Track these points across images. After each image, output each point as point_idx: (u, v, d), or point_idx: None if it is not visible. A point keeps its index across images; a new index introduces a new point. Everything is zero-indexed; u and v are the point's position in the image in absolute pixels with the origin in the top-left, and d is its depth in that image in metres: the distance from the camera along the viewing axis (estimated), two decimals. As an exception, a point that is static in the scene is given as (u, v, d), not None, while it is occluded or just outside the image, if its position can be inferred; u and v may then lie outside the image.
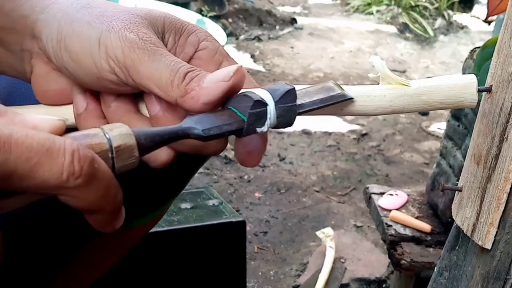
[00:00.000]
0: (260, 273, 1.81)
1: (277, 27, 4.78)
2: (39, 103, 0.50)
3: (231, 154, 2.55)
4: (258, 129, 0.42)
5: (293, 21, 4.93)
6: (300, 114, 0.44)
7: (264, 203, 2.22)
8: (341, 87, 0.46)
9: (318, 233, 1.89)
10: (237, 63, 0.49)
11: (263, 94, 0.43)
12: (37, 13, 0.46)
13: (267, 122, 0.43)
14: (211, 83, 0.42)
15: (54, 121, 0.34)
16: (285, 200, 2.26)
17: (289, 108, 0.43)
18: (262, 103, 0.42)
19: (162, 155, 0.45)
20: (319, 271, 1.72)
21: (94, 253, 0.71)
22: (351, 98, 0.46)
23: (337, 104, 0.46)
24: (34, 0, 0.47)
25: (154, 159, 0.45)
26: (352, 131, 2.96)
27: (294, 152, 2.66)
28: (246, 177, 2.41)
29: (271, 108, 0.42)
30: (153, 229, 0.89)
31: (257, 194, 2.29)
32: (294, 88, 0.43)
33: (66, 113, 0.48)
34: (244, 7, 4.77)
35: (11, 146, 0.30)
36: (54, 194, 0.33)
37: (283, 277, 1.80)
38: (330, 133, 2.89)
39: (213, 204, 1.31)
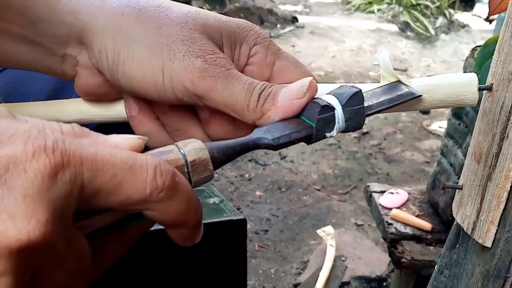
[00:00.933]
0: (260, 271, 1.81)
1: (278, 25, 4.78)
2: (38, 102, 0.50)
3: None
4: (327, 134, 0.42)
5: (294, 19, 4.93)
6: (368, 115, 0.44)
7: (265, 202, 2.22)
8: (407, 85, 0.46)
9: (318, 231, 1.89)
10: (289, 59, 0.48)
11: (329, 99, 0.43)
12: (82, 22, 0.44)
13: (336, 126, 0.42)
14: (286, 100, 0.42)
15: (134, 140, 0.35)
16: (286, 199, 2.26)
17: (357, 110, 0.43)
18: (329, 108, 0.42)
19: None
20: (319, 269, 1.73)
21: (93, 252, 0.71)
22: (420, 96, 0.46)
23: (405, 103, 0.46)
24: (75, 3, 0.45)
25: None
26: (353, 130, 2.96)
27: (295, 151, 2.67)
28: (247, 175, 2.41)
29: (338, 112, 0.42)
30: (154, 227, 0.89)
31: (258, 193, 2.29)
32: (360, 90, 0.43)
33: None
34: (245, 6, 4.77)
35: (98, 164, 0.30)
36: (139, 209, 0.33)
37: (283, 275, 1.80)
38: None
39: (214, 202, 1.31)
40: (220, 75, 0.43)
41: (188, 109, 0.47)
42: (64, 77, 0.48)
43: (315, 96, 0.43)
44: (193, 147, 0.36)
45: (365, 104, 0.44)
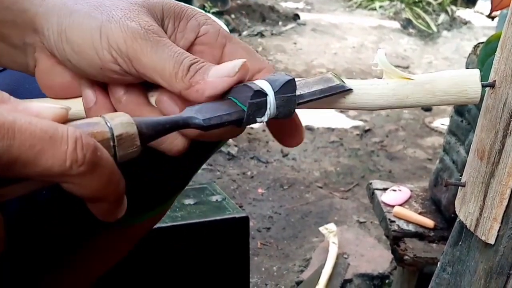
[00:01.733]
0: (263, 269, 1.81)
1: (280, 23, 4.77)
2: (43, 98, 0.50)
3: (234, 150, 2.55)
4: (258, 119, 0.43)
5: (296, 17, 4.92)
6: (299, 104, 0.44)
7: (267, 199, 2.22)
8: (340, 79, 0.46)
9: (321, 229, 1.89)
10: (241, 44, 0.48)
11: (263, 84, 0.43)
12: (36, 6, 0.45)
13: (267, 112, 0.43)
14: (216, 77, 0.42)
15: (57, 109, 0.35)
16: (288, 196, 2.26)
17: (288, 98, 0.43)
18: (262, 93, 0.42)
19: (177, 143, 0.45)
20: (322, 266, 1.73)
21: (98, 249, 0.71)
22: (350, 89, 0.46)
23: (336, 95, 0.46)
24: None
25: (169, 148, 0.45)
26: (355, 127, 2.96)
27: (297, 148, 2.66)
28: (249, 173, 2.41)
29: (270, 98, 0.43)
30: (157, 225, 0.89)
31: (260, 190, 2.29)
32: (293, 79, 0.44)
33: (75, 106, 0.48)
34: (247, 3, 4.77)
35: (15, 132, 0.30)
36: (57, 181, 0.33)
37: (286, 273, 1.80)
38: (333, 129, 2.89)
39: (216, 200, 1.32)
40: (151, 39, 0.43)
41: (143, 97, 0.47)
42: (30, 71, 0.49)
43: (249, 81, 0.44)
44: (120, 121, 0.36)
45: (297, 92, 0.44)
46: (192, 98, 0.43)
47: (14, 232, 0.60)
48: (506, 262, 0.50)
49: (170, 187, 0.71)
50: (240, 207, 2.07)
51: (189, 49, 0.48)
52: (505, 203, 0.48)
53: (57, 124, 0.32)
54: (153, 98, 0.47)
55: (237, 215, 1.26)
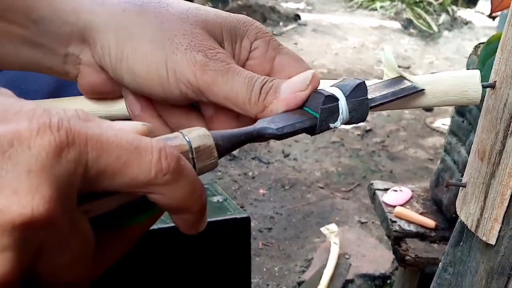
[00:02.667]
0: (264, 269, 1.82)
1: (281, 23, 4.78)
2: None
3: (235, 151, 2.55)
4: (331, 125, 0.43)
5: (297, 17, 4.93)
6: (372, 108, 0.44)
7: (269, 200, 2.23)
8: (409, 79, 0.47)
9: (322, 229, 1.89)
10: (290, 54, 0.48)
11: (333, 90, 0.43)
12: (84, 20, 0.44)
13: (340, 117, 0.43)
14: (289, 93, 0.43)
15: (138, 125, 0.35)
16: (289, 197, 2.26)
17: (360, 102, 0.43)
18: (333, 98, 0.42)
19: None
20: (323, 267, 1.73)
21: (95, 250, 0.71)
22: (423, 90, 0.46)
23: (408, 97, 0.46)
24: (76, 2, 0.45)
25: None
26: (356, 127, 2.96)
27: (298, 149, 2.67)
28: (250, 173, 2.41)
29: (342, 103, 0.43)
30: (158, 225, 0.89)
31: (261, 191, 2.29)
32: (364, 82, 0.43)
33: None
34: (248, 4, 4.77)
35: (103, 144, 0.30)
36: (143, 192, 0.33)
37: (287, 273, 1.80)
38: (334, 130, 2.89)
39: (218, 201, 1.32)
40: (221, 69, 0.43)
41: (191, 106, 0.47)
42: (66, 77, 0.48)
43: (318, 88, 0.44)
44: (198, 134, 0.36)
45: (369, 96, 0.44)
46: (267, 117, 0.43)
47: None
48: (507, 262, 0.50)
49: None
50: (242, 207, 2.07)
51: (243, 66, 0.47)
52: (505, 203, 0.48)
53: (141, 136, 0.33)
54: (203, 108, 0.47)
55: (238, 216, 1.26)
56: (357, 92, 0.43)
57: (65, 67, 0.47)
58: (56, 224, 0.28)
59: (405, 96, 0.46)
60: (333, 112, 0.42)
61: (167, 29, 0.44)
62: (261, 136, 0.41)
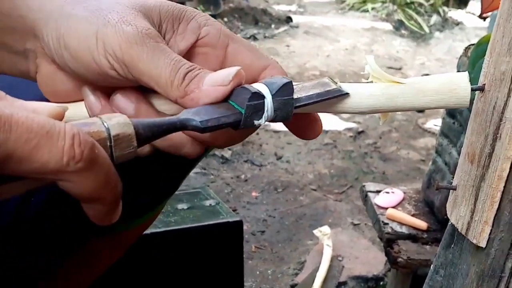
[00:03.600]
0: (257, 272, 1.81)
1: (273, 25, 4.78)
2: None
3: (227, 153, 2.55)
4: (256, 122, 0.43)
5: (289, 19, 4.93)
6: (296, 108, 0.44)
7: (261, 202, 2.22)
8: (335, 82, 0.47)
9: (315, 231, 1.89)
10: (243, 43, 0.48)
11: (260, 87, 0.43)
12: (34, 12, 0.45)
13: (265, 115, 0.43)
14: (211, 85, 0.42)
15: (53, 107, 0.34)
16: (282, 199, 2.26)
17: (286, 101, 0.43)
18: (259, 96, 0.42)
19: (195, 148, 0.45)
20: (316, 269, 1.73)
21: (87, 256, 0.71)
22: (347, 93, 0.46)
23: (333, 99, 0.46)
24: None
25: (188, 153, 0.45)
26: (349, 129, 2.96)
27: (291, 151, 2.67)
28: (243, 176, 2.41)
29: (268, 101, 0.43)
30: (150, 230, 0.89)
31: (254, 193, 2.29)
32: (291, 82, 0.44)
33: (78, 110, 0.47)
34: (240, 6, 4.77)
35: (11, 126, 0.29)
36: (53, 179, 0.32)
37: (280, 276, 1.80)
38: (326, 131, 2.89)
39: (210, 205, 1.31)
40: (148, 45, 0.42)
41: (146, 103, 0.46)
42: (31, 77, 0.48)
43: (246, 85, 0.44)
44: (117, 121, 0.35)
45: (294, 96, 0.44)
46: (187, 106, 0.43)
47: (6, 242, 0.60)
48: (498, 265, 0.50)
49: (158, 193, 0.71)
50: (234, 210, 2.07)
51: (191, 50, 0.47)
52: (495, 206, 0.48)
53: (54, 120, 0.32)
54: (158, 104, 0.46)
55: (230, 220, 1.25)
56: (284, 92, 0.43)
57: (28, 65, 0.47)
58: None
59: (329, 98, 0.46)
60: (259, 109, 0.42)
61: (103, 9, 0.44)
62: (184, 127, 0.40)
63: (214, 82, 0.42)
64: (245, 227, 1.65)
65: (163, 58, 0.43)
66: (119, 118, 0.36)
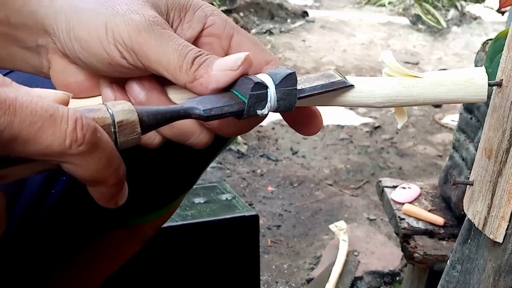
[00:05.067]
0: (273, 267, 1.82)
1: (289, 20, 4.77)
2: None
3: (243, 148, 2.55)
4: (259, 111, 0.43)
5: (305, 14, 4.92)
6: (300, 98, 0.45)
7: (277, 197, 2.23)
8: (342, 75, 0.47)
9: (331, 226, 1.89)
10: (248, 35, 0.49)
11: (263, 77, 0.43)
12: (45, 8, 0.46)
13: (268, 105, 0.43)
14: (220, 70, 0.43)
15: (58, 94, 0.35)
16: (298, 194, 2.26)
17: (289, 91, 0.44)
18: (262, 86, 0.43)
19: (203, 137, 0.46)
20: (332, 264, 1.73)
21: (105, 249, 0.72)
22: (352, 85, 0.46)
23: (338, 91, 0.46)
24: None
25: (195, 142, 0.46)
26: (365, 124, 2.95)
27: (307, 146, 2.66)
28: (258, 171, 2.41)
29: (271, 91, 0.43)
30: (167, 224, 0.90)
31: (270, 188, 2.29)
32: (294, 72, 0.44)
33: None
34: (255, 1, 4.77)
35: (16, 109, 0.30)
36: (57, 161, 0.33)
37: (296, 270, 1.80)
38: (342, 126, 2.89)
39: (226, 199, 1.32)
40: (156, 32, 0.43)
41: (164, 97, 0.47)
42: (44, 72, 0.49)
43: (250, 74, 0.44)
44: (122, 108, 0.36)
45: (298, 87, 0.44)
46: (196, 91, 0.43)
47: (21, 234, 0.61)
48: (515, 260, 0.50)
49: (177, 186, 0.72)
50: (250, 205, 2.07)
51: (197, 40, 0.48)
52: (513, 201, 0.48)
53: (57, 104, 0.33)
54: (173, 96, 0.47)
55: (247, 214, 1.26)
56: (287, 82, 0.43)
57: (41, 61, 0.48)
58: None
59: (334, 90, 0.46)
60: (262, 99, 0.43)
61: (111, 1, 0.45)
62: (187, 115, 0.41)
63: (223, 67, 0.43)
64: (261, 222, 1.66)
65: (171, 43, 0.44)
66: (123, 105, 0.37)
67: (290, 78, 0.44)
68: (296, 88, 0.44)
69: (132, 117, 0.37)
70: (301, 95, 0.45)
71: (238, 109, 0.42)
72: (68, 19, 0.45)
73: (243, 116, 0.43)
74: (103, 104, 0.37)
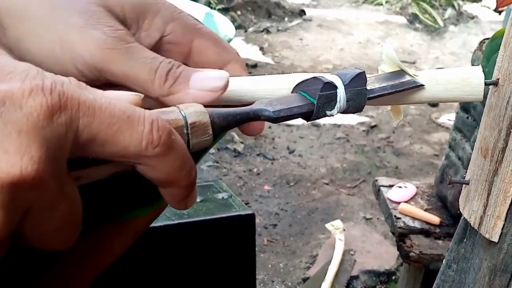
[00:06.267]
0: (269, 266, 1.82)
1: (286, 19, 4.77)
2: None
3: (240, 147, 2.55)
4: (328, 113, 0.42)
5: (302, 12, 4.92)
6: (370, 99, 0.44)
7: (274, 196, 2.23)
8: (410, 75, 0.46)
9: (327, 225, 1.89)
10: (208, 36, 0.47)
11: (332, 77, 0.43)
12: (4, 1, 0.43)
13: (337, 106, 0.42)
14: (199, 90, 0.42)
15: (131, 95, 0.35)
16: (294, 193, 2.26)
17: (359, 92, 0.43)
18: (332, 86, 0.42)
19: (257, 126, 0.44)
20: (328, 263, 1.73)
21: (94, 245, 0.71)
22: (423, 85, 0.46)
23: (407, 91, 0.46)
24: None
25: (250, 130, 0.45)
26: (361, 123, 2.95)
27: (303, 145, 2.66)
28: (255, 170, 2.41)
29: (340, 91, 0.42)
30: (163, 222, 0.89)
31: (266, 187, 2.29)
32: (364, 72, 0.43)
33: None
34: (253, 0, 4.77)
35: (95, 111, 0.31)
36: (132, 163, 0.33)
37: (292, 269, 1.80)
38: (339, 125, 2.89)
39: (223, 198, 1.32)
40: (119, 47, 0.41)
41: None
42: None
43: (319, 74, 0.44)
44: (194, 110, 0.37)
45: (368, 87, 0.44)
46: (171, 104, 0.42)
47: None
48: (510, 260, 0.50)
49: None
50: (247, 204, 2.07)
51: (155, 47, 0.46)
52: (508, 201, 0.48)
53: (134, 106, 0.33)
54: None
55: (243, 213, 1.26)
56: (357, 82, 0.43)
57: None
58: (44, 186, 0.29)
59: (404, 90, 0.45)
60: (331, 100, 0.42)
61: (61, 7, 0.42)
62: (257, 117, 0.41)
63: (203, 87, 0.42)
64: (257, 221, 1.66)
65: (139, 57, 0.42)
66: (195, 107, 0.37)
67: (360, 78, 0.43)
68: (366, 88, 0.43)
69: (204, 118, 0.37)
70: (371, 96, 0.44)
71: (308, 110, 0.42)
72: (16, 27, 0.42)
73: (312, 117, 0.42)
74: (175, 106, 0.37)
